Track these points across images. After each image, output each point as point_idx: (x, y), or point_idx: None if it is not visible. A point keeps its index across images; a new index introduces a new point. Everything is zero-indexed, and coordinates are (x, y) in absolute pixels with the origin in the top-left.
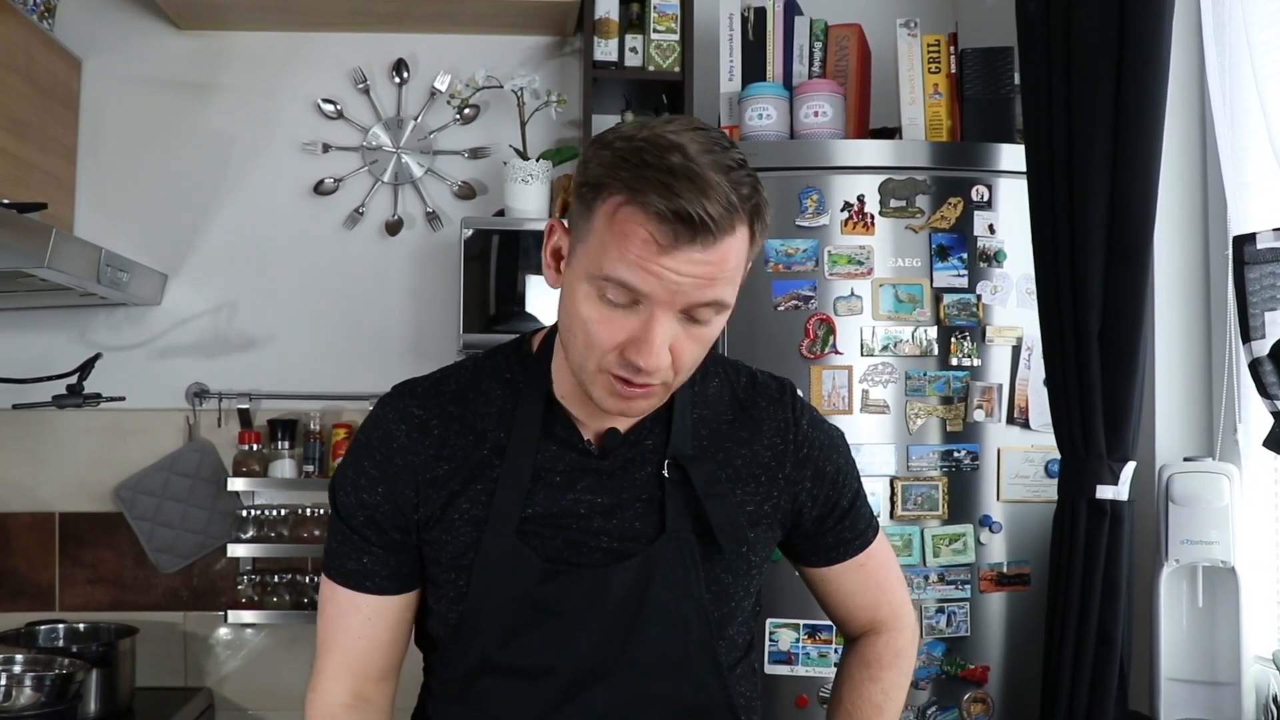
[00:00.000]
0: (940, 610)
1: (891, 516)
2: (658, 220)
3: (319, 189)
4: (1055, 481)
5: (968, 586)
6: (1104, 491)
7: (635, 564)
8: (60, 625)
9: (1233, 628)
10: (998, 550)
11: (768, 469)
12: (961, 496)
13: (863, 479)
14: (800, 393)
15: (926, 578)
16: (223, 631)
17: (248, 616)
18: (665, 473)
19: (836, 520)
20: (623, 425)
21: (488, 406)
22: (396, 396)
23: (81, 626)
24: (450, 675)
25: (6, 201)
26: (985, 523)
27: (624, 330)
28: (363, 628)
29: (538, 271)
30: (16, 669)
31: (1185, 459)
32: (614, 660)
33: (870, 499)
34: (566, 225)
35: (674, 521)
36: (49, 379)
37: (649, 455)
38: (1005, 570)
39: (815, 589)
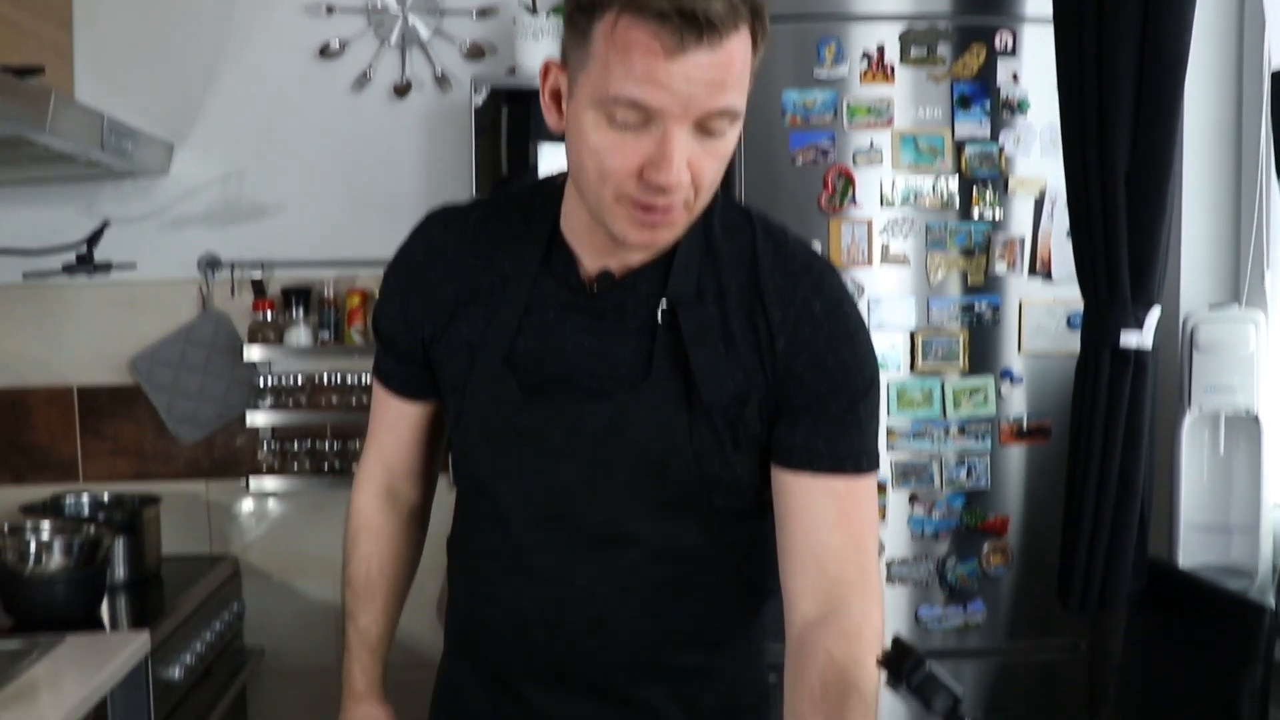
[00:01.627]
0: (960, 463)
1: (912, 370)
2: (659, 23)
3: (324, 52)
4: (1077, 334)
5: (988, 439)
6: (1128, 339)
7: (613, 402)
8: (85, 495)
9: (1253, 475)
10: (1018, 403)
11: (765, 341)
12: (982, 349)
13: (883, 331)
14: (837, 278)
15: (947, 430)
16: (245, 500)
17: (269, 484)
18: (659, 318)
19: (815, 419)
20: (637, 258)
21: (504, 235)
22: (426, 221)
23: (106, 496)
24: (459, 502)
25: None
26: (1006, 375)
27: (638, 153)
28: (392, 425)
29: (550, 137)
30: (45, 535)
31: (1211, 306)
32: (590, 494)
33: (890, 351)
34: (562, 62)
35: (660, 368)
36: (59, 250)
37: (644, 301)
38: (1025, 423)
39: (781, 523)
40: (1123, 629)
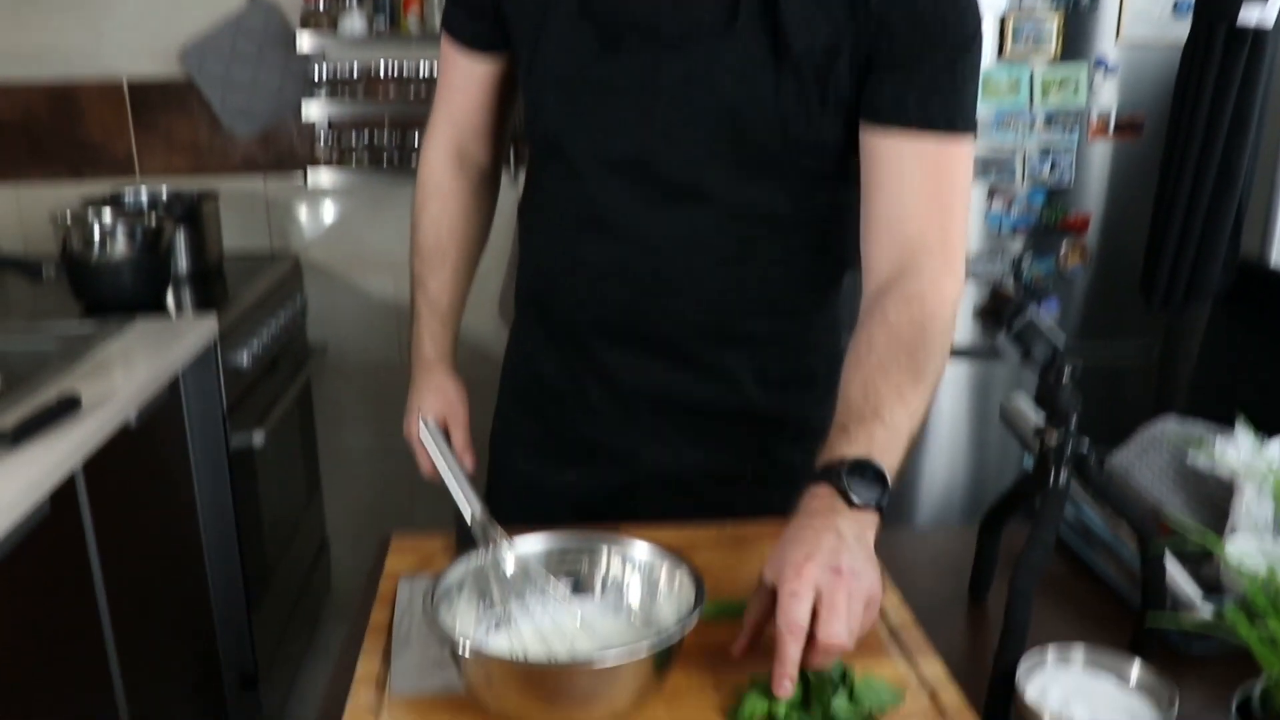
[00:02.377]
0: (1044, 157)
1: (1000, 55)
2: None
3: None
4: (1183, 21)
5: (1075, 133)
6: (1248, 13)
7: (695, 52)
8: (143, 190)
9: None
10: (1110, 95)
11: None
12: (1076, 36)
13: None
14: None
15: (1032, 122)
16: (304, 196)
17: (326, 177)
18: None
19: (907, 73)
20: None
21: None
22: None
23: (164, 192)
24: (530, 162)
25: None
26: (1100, 65)
27: None
28: (462, 84)
29: None
30: (108, 223)
31: None
32: (668, 148)
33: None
34: None
35: (746, 16)
36: None
37: None
38: (1116, 117)
39: (866, 187)
40: (1203, 328)
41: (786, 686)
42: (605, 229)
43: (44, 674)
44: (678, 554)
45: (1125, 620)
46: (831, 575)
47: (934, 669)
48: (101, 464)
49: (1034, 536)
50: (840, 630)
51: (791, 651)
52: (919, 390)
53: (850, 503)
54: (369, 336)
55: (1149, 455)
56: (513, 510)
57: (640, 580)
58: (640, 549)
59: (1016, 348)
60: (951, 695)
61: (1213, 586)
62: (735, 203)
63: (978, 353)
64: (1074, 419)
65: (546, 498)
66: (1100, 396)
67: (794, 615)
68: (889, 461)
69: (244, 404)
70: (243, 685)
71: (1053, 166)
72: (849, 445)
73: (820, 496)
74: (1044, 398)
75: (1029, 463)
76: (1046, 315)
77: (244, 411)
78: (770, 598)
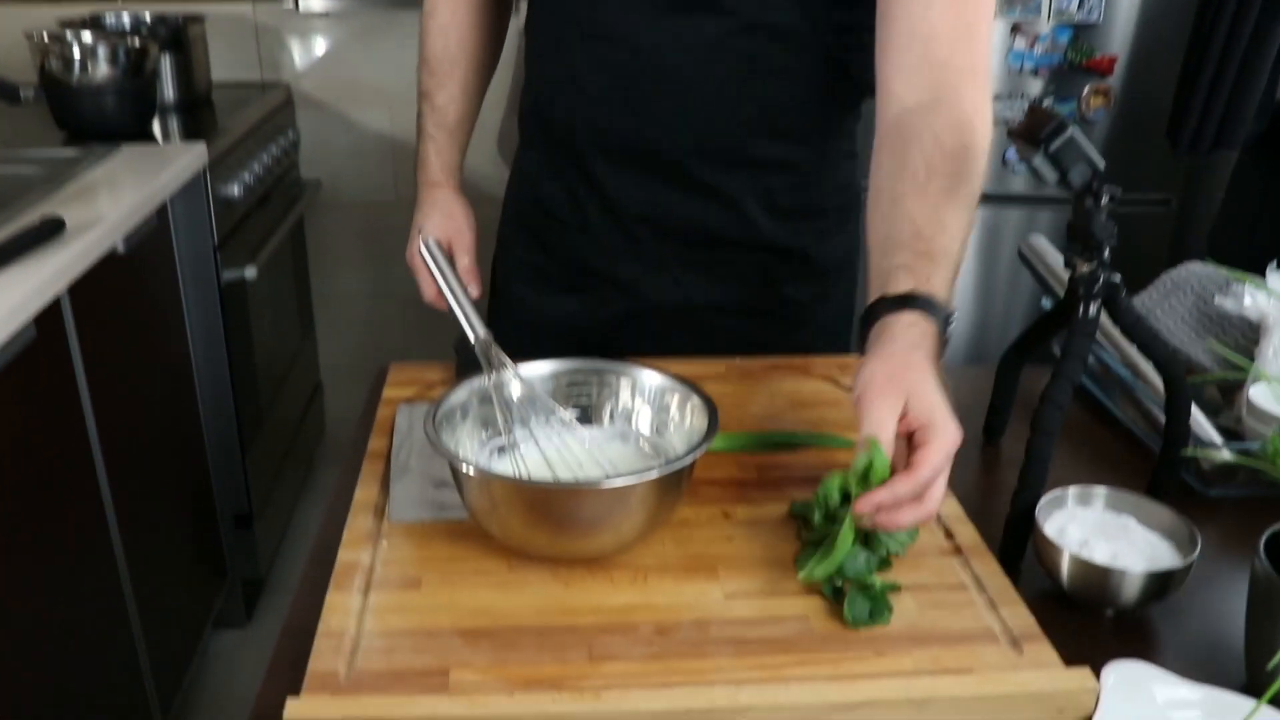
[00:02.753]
0: None
1: None
2: None
3: None
4: None
5: None
6: None
7: None
8: (125, 13)
9: None
10: None
11: None
12: None
13: None
14: None
15: None
16: (295, 22)
17: (318, 0)
18: None
19: None
20: None
21: None
22: None
23: (147, 15)
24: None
25: None
26: None
27: None
28: None
29: None
30: (88, 43)
31: None
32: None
33: None
34: None
35: None
36: None
37: None
38: None
39: (884, 5)
40: (1228, 176)
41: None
42: (608, 40)
43: (34, 502)
44: (690, 382)
45: (1142, 465)
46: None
47: (949, 506)
48: (88, 290)
49: (1060, 370)
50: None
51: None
52: (968, 221)
53: (945, 339)
54: (363, 173)
55: (1172, 299)
56: (512, 341)
57: (650, 409)
58: (650, 377)
59: (1053, 170)
60: (968, 533)
61: (1230, 434)
62: (750, 16)
63: (986, 197)
64: (1107, 249)
65: (546, 328)
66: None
67: (935, 469)
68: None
69: (235, 237)
70: (238, 524)
71: (1080, 2)
72: (940, 278)
73: (920, 328)
74: (1078, 225)
75: (1047, 304)
76: (1088, 141)
77: (235, 245)
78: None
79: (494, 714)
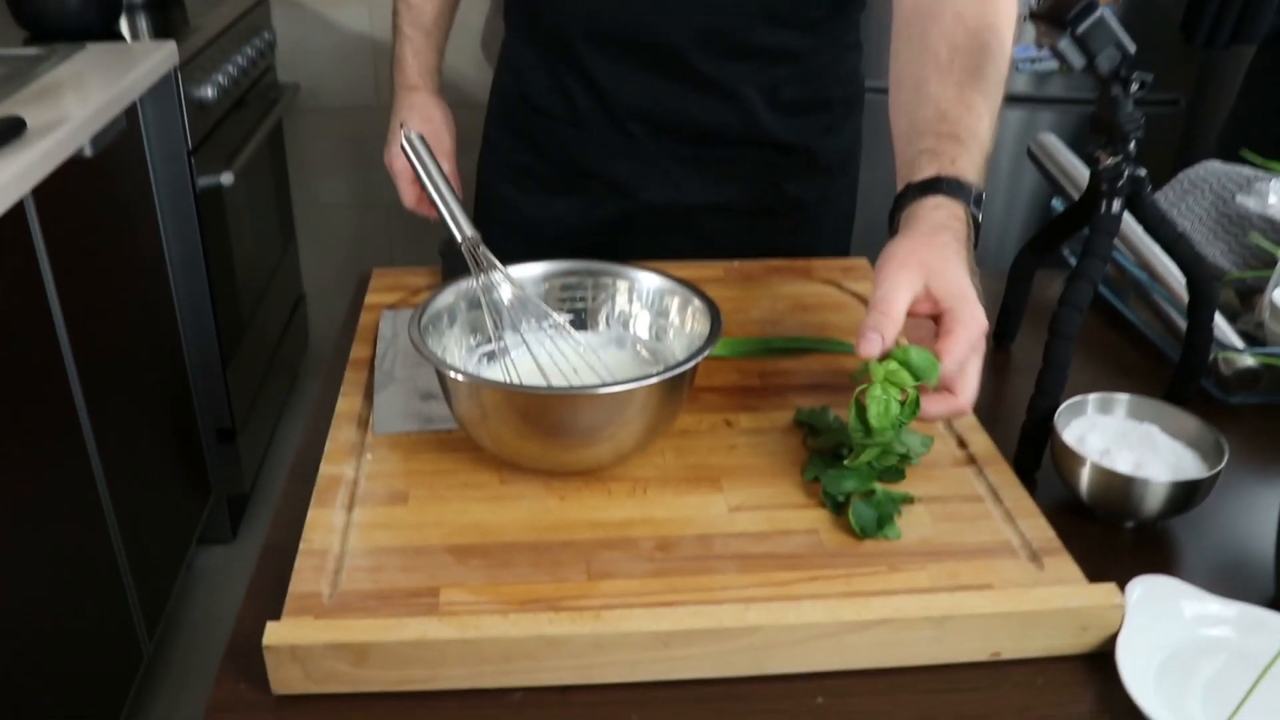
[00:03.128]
0: None
1: None
2: None
3: None
4: None
5: None
6: None
7: None
8: None
9: None
10: None
11: None
12: None
13: None
14: None
15: None
16: None
17: None
18: None
19: None
20: None
21: None
22: None
23: None
24: None
25: None
26: None
27: None
28: None
29: None
30: None
31: None
32: None
33: None
34: None
35: None
36: None
37: None
38: None
39: None
40: (1243, 73)
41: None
42: None
43: (4, 419)
44: (691, 285)
45: (1156, 371)
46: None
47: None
48: (55, 194)
49: (1080, 271)
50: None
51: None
52: (996, 101)
53: (976, 224)
54: (343, 76)
55: (1189, 199)
56: (500, 246)
57: (649, 314)
58: (648, 279)
59: (1080, 54)
60: (982, 442)
61: (1250, 340)
62: None
63: None
64: (1133, 141)
65: (535, 232)
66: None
67: (961, 348)
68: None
69: (211, 142)
70: (220, 439)
71: None
72: (967, 159)
73: (948, 210)
74: (1102, 115)
75: (1058, 205)
76: (1118, 23)
77: (211, 150)
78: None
79: (487, 636)
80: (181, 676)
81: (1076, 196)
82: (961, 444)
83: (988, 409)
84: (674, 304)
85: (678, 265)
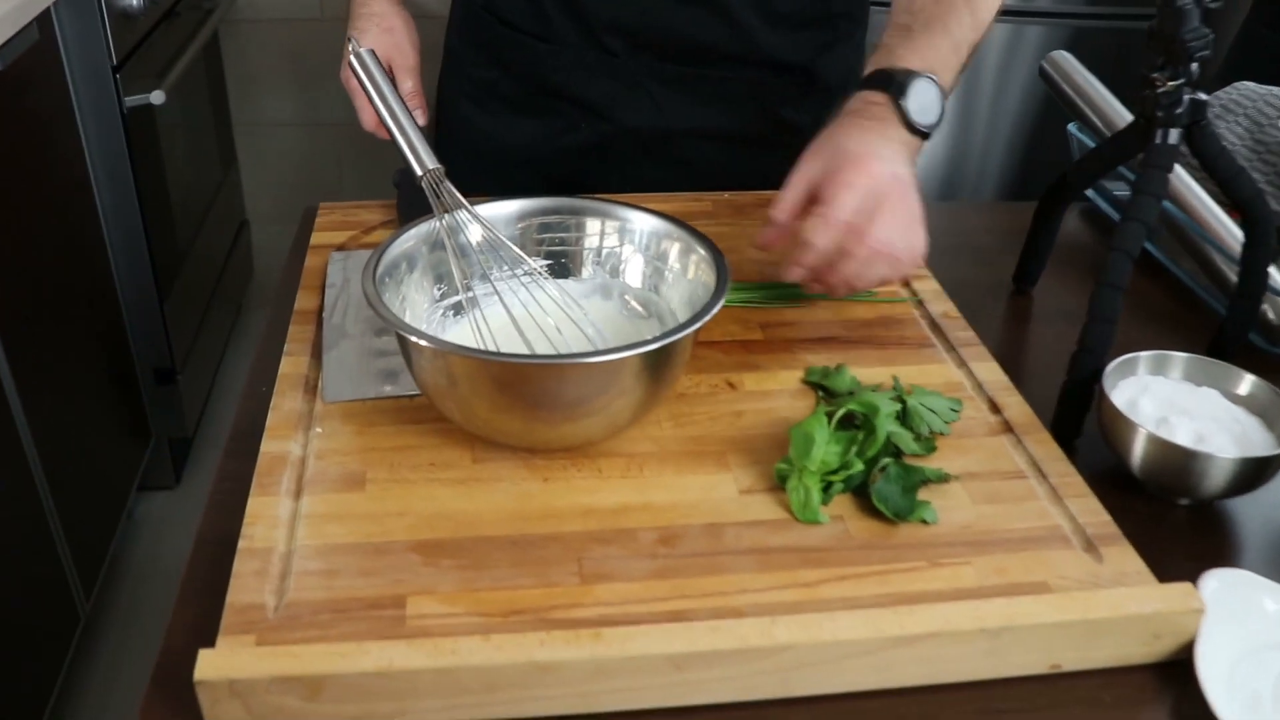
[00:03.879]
0: None
1: None
2: None
3: None
4: None
5: None
6: None
7: None
8: None
9: None
10: None
11: None
12: None
13: None
14: None
15: None
16: None
17: None
18: None
19: None
20: None
21: None
22: None
23: None
24: None
25: None
26: None
27: None
28: None
29: None
30: None
31: None
32: None
33: None
34: None
35: None
36: None
37: None
38: None
39: None
40: None
41: (796, 273)
42: None
43: None
44: (689, 226)
45: (1192, 321)
46: (890, 180)
47: (990, 372)
48: None
49: (1132, 211)
50: (900, 241)
51: (820, 240)
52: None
53: (907, 122)
54: None
55: (1219, 125)
56: (460, 173)
57: (642, 259)
58: (642, 220)
59: None
60: (1017, 405)
61: None
62: None
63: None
64: (1197, 62)
65: (500, 157)
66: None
67: (842, 204)
68: (947, 79)
69: (138, 57)
70: (159, 380)
71: None
72: (911, 52)
73: (871, 103)
74: (1164, 28)
75: (1074, 130)
76: None
77: (139, 65)
78: (803, 201)
79: (466, 665)
80: (123, 637)
81: (1098, 122)
82: (994, 408)
83: (1011, 360)
84: (673, 249)
85: (659, 198)
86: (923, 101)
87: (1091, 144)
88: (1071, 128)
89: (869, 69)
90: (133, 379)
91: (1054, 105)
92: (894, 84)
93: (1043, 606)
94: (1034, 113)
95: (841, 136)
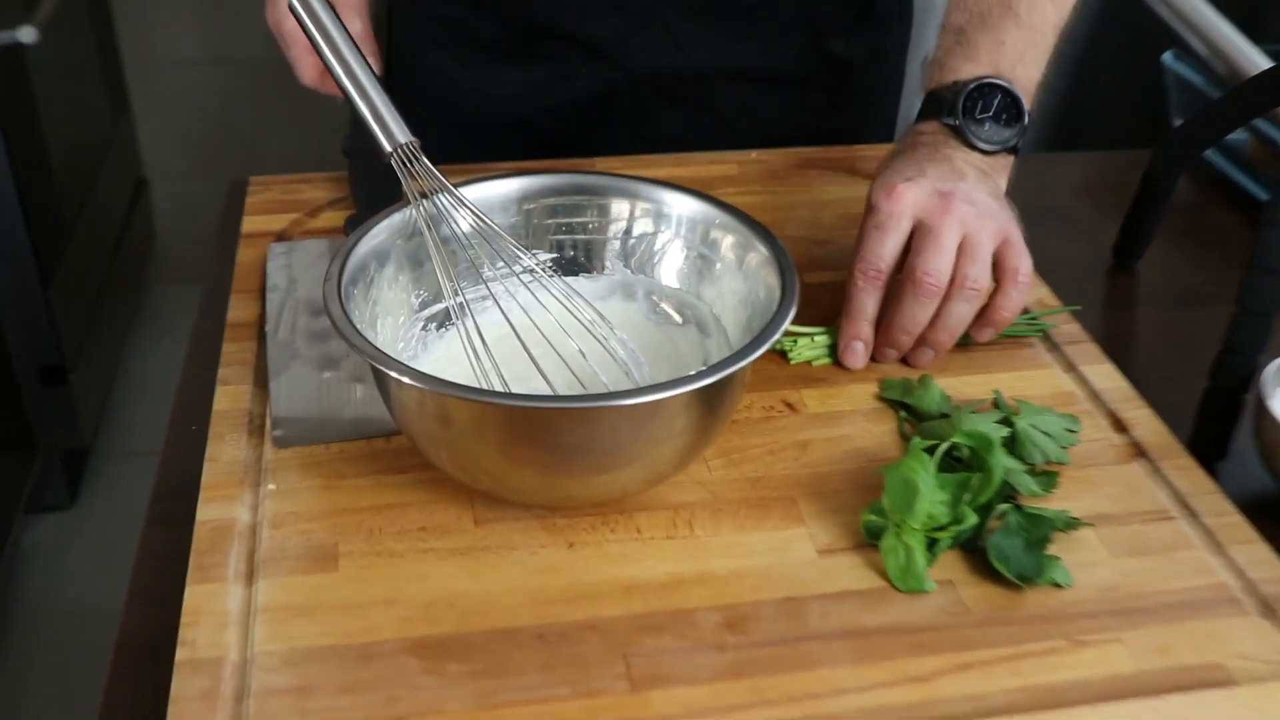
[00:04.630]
0: None
1: None
2: None
3: None
4: None
5: None
6: None
7: None
8: None
9: None
10: None
11: None
12: None
13: None
14: None
15: None
16: None
17: None
18: None
19: None
20: None
21: None
22: None
23: None
24: None
25: None
26: None
27: None
28: None
29: None
30: None
31: None
32: None
33: None
34: None
35: None
36: None
37: None
38: None
39: None
40: None
41: (857, 351)
42: None
43: None
44: (743, 213)
45: None
46: (940, 200)
47: (1108, 377)
48: None
49: None
50: (963, 272)
51: (864, 303)
52: None
53: (971, 146)
54: None
55: None
56: (424, 134)
57: (682, 251)
58: (682, 204)
59: None
60: (1147, 422)
61: None
62: None
63: None
64: None
65: (475, 115)
66: None
67: (873, 250)
68: (1027, 75)
69: None
70: (46, 379)
71: None
72: (967, 59)
73: (925, 133)
74: None
75: (1170, 60)
76: None
77: None
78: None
79: None
80: (16, 681)
81: (1204, 50)
82: (1118, 425)
83: (1120, 357)
84: (724, 241)
85: (672, 159)
86: (988, 121)
87: (1193, 78)
88: (1167, 58)
89: (925, 87)
90: (11, 380)
91: (1137, 29)
92: (947, 106)
93: (1227, 700)
94: (1111, 39)
95: (881, 172)
